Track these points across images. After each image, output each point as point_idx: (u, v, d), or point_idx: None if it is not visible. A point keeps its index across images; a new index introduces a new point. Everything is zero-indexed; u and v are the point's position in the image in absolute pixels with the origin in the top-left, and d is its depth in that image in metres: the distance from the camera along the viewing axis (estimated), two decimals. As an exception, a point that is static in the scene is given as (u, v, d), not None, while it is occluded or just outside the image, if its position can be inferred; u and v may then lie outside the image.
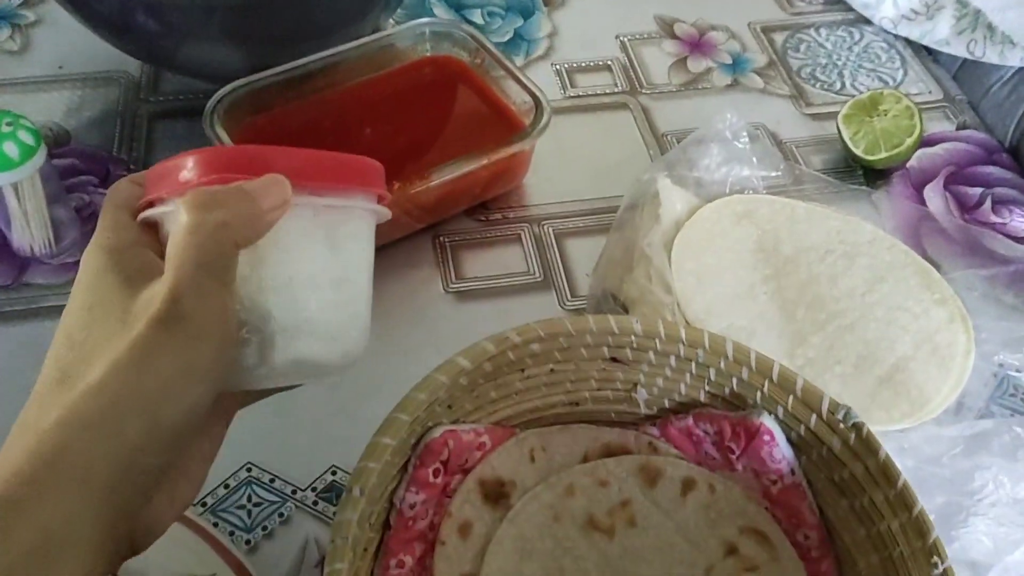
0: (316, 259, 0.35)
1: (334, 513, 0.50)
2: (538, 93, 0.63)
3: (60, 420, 0.28)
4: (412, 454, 0.44)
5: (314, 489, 0.51)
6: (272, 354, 0.33)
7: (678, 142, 0.70)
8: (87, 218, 0.62)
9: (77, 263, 0.59)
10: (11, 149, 0.53)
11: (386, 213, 0.38)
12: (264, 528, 0.49)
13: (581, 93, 0.75)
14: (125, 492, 0.29)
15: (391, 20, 0.77)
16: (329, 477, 0.51)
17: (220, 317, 0.31)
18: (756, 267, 0.57)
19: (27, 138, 0.54)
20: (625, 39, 0.80)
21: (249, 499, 0.50)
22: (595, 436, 0.49)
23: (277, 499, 0.50)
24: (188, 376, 0.30)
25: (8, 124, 0.54)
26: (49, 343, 0.55)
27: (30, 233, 0.59)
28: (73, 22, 0.65)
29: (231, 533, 0.48)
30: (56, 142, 0.68)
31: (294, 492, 0.51)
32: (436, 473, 0.44)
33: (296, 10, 0.62)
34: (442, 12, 0.81)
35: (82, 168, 0.66)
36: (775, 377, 0.44)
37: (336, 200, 0.35)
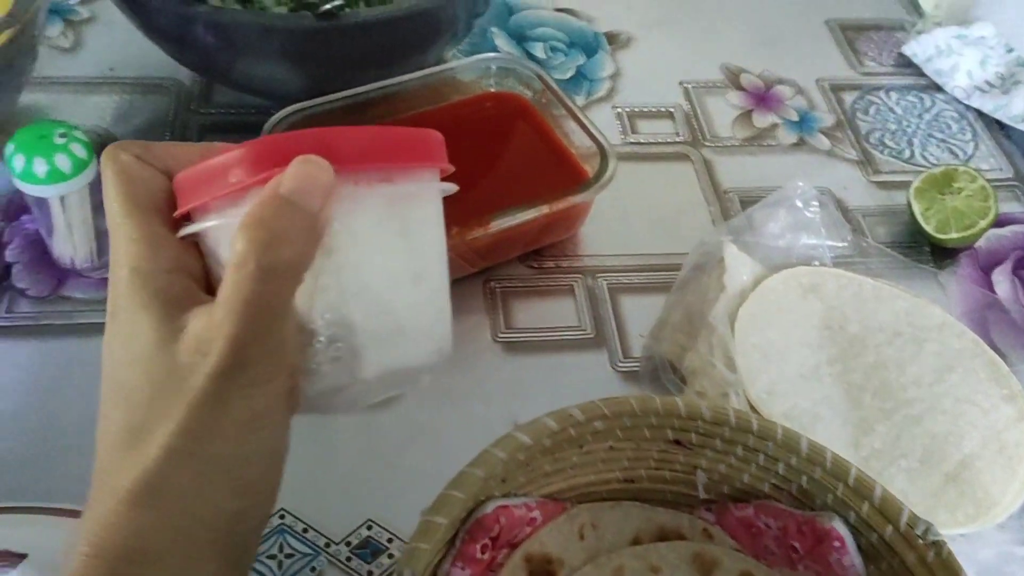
0: (395, 254, 0.31)
1: (368, 573, 0.48)
2: (604, 142, 0.61)
3: (145, 493, 0.27)
4: (461, 528, 0.42)
5: (348, 544, 0.49)
6: (363, 367, 0.30)
7: (740, 200, 0.68)
8: (130, 232, 0.60)
9: (117, 279, 0.57)
10: (63, 162, 0.51)
11: (452, 189, 0.34)
12: (294, 583, 0.47)
13: (642, 140, 0.73)
14: (231, 554, 0.27)
15: (454, 52, 0.75)
16: (364, 532, 0.49)
17: (283, 349, 0.28)
18: (822, 346, 0.55)
19: (80, 151, 0.52)
20: (689, 86, 0.77)
21: (281, 549, 0.48)
22: (648, 516, 0.47)
23: (310, 551, 0.48)
24: (262, 422, 0.28)
25: (62, 136, 0.52)
26: (85, 360, 0.53)
27: (72, 244, 0.57)
28: (127, 23, 0.63)
29: (260, 586, 0.46)
30: (103, 148, 0.66)
31: (327, 545, 0.48)
32: (484, 548, 0.42)
33: (358, 37, 0.60)
34: (504, 44, 0.79)
35: (129, 179, 0.64)
36: (851, 482, 0.41)
37: (408, 184, 0.31)
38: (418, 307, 0.32)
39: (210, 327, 0.27)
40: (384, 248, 0.30)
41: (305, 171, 0.28)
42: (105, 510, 0.27)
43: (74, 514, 0.44)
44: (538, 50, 0.79)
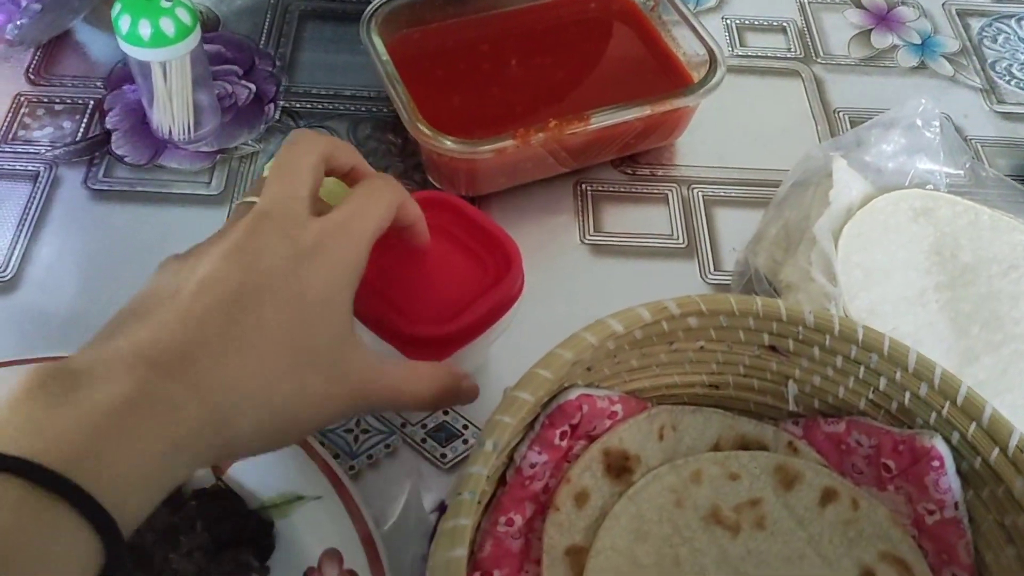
0: None
1: (441, 455, 0.47)
2: (714, 47, 0.58)
3: None
4: (541, 412, 0.41)
5: (424, 426, 0.48)
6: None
7: (850, 121, 0.65)
8: (228, 108, 0.60)
9: (212, 153, 0.58)
10: (168, 26, 0.51)
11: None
12: (369, 456, 0.47)
13: (751, 53, 0.69)
14: None
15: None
16: (440, 416, 0.49)
17: None
18: (930, 271, 0.52)
19: (185, 17, 0.52)
20: (806, 1, 0.73)
21: (357, 424, 0.48)
22: (731, 424, 0.45)
23: (385, 429, 0.48)
24: None
25: (167, 0, 0.51)
26: (178, 228, 0.54)
27: (171, 114, 0.57)
28: None
29: (336, 456, 0.46)
30: (205, 26, 0.66)
31: (403, 425, 0.48)
32: (563, 435, 0.41)
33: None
34: (613, -54, 0.76)
35: (228, 56, 0.64)
36: (960, 401, 0.39)
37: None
38: None
39: None
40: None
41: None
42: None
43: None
44: (649, -44, 0.75)
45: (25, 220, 0.54)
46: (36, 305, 0.50)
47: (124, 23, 0.51)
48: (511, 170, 0.57)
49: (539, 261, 0.55)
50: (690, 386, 0.46)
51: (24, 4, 0.53)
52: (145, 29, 0.51)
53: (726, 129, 0.64)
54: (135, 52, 0.52)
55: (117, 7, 0.51)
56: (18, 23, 0.54)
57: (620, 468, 0.43)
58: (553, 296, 0.54)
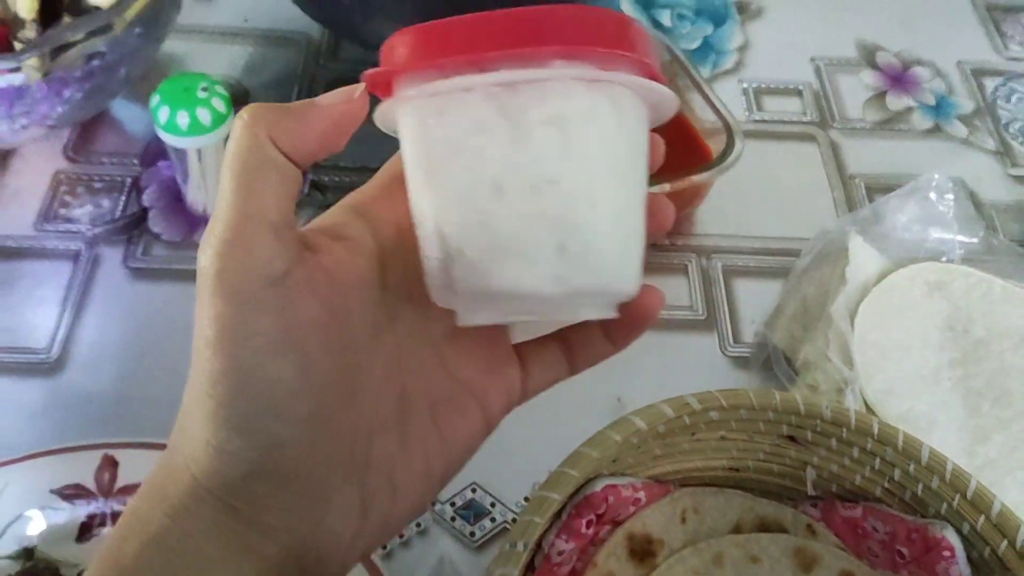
0: (496, 156, 0.26)
1: (470, 533, 0.49)
2: (731, 120, 0.59)
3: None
4: (568, 502, 0.43)
5: (453, 504, 0.50)
6: (456, 282, 0.27)
7: (866, 186, 0.66)
8: (259, 184, 0.62)
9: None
10: (204, 115, 0.53)
11: (657, 91, 0.29)
12: (400, 536, 0.49)
13: (767, 118, 0.71)
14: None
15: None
16: (469, 494, 0.51)
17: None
18: (944, 347, 0.53)
19: (220, 105, 0.54)
20: (821, 63, 0.75)
21: (388, 503, 0.50)
22: (751, 506, 0.47)
23: (415, 508, 0.50)
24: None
25: (204, 90, 0.54)
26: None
27: (205, 192, 0.59)
28: (263, -24, 0.65)
29: (368, 536, 0.48)
30: (235, 99, 0.68)
31: (433, 504, 0.50)
32: (589, 524, 0.43)
33: (489, 2, 0.60)
34: (628, 9, 0.78)
35: (259, 130, 0.66)
36: (969, 494, 0.40)
37: (515, 74, 0.26)
38: (527, 222, 0.27)
39: None
40: (481, 150, 0.26)
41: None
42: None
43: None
44: (664, 18, 0.77)
45: (68, 301, 0.56)
46: (81, 387, 0.52)
47: (163, 114, 0.53)
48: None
49: (562, 334, 0.57)
50: (711, 469, 0.47)
51: (66, 95, 0.55)
52: (183, 119, 0.53)
53: (744, 196, 0.65)
54: (173, 140, 0.54)
55: (156, 98, 0.53)
56: (59, 110, 0.56)
57: (644, 552, 0.44)
58: (578, 376, 0.55)
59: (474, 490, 0.51)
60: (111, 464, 0.46)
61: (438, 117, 0.27)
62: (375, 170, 0.64)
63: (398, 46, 0.28)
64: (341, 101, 0.29)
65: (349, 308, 0.29)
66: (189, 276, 0.57)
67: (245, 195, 0.27)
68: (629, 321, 0.32)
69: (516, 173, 0.26)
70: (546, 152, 0.26)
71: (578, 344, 0.36)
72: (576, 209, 0.27)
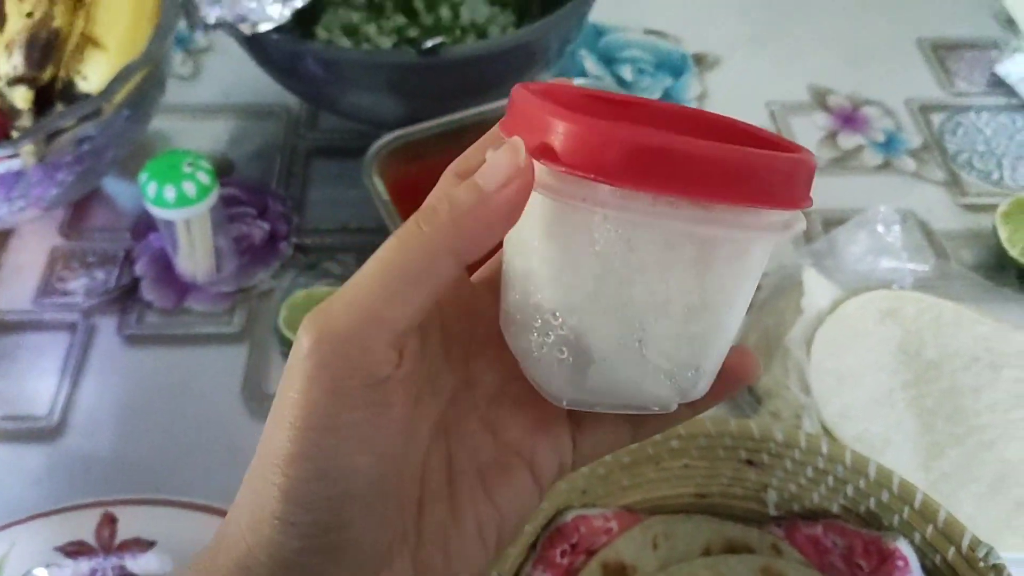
0: (674, 282, 0.26)
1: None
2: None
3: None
4: (542, 533, 0.45)
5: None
6: (586, 380, 0.27)
7: (822, 221, 0.69)
8: (244, 250, 0.66)
9: (233, 292, 0.63)
10: (190, 188, 0.57)
11: (796, 230, 0.26)
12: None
13: (726, 161, 0.74)
14: None
15: (546, 76, 0.78)
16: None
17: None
18: (897, 371, 0.56)
19: (204, 178, 0.58)
20: (775, 108, 0.79)
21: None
22: (718, 529, 0.49)
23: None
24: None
25: (189, 165, 0.57)
26: (205, 367, 0.59)
27: (194, 261, 0.62)
28: (241, 52, 0.69)
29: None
30: (220, 171, 0.72)
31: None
32: (563, 554, 0.45)
33: (457, 71, 0.64)
34: (592, 66, 0.82)
35: (243, 199, 0.69)
36: (917, 505, 0.43)
37: (724, 217, 0.25)
38: (674, 343, 0.27)
39: None
40: (659, 270, 0.26)
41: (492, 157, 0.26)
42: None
43: (196, 507, 0.50)
44: (626, 72, 0.82)
45: (67, 369, 0.59)
46: (81, 450, 0.55)
47: (151, 189, 0.57)
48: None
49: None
50: (679, 496, 0.50)
51: (58, 178, 0.59)
52: (170, 193, 0.57)
53: (706, 236, 0.68)
54: (161, 213, 0.58)
55: (144, 175, 0.57)
56: (53, 192, 0.60)
57: (618, 579, 0.47)
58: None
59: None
60: (110, 521, 0.49)
61: (632, 228, 0.25)
62: (355, 231, 0.68)
63: (601, 135, 0.24)
64: (512, 179, 0.25)
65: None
66: (181, 340, 0.61)
67: (387, 299, 0.25)
68: (717, 386, 0.30)
69: (684, 299, 0.26)
70: (719, 287, 0.26)
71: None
72: (717, 333, 0.27)
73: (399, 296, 0.25)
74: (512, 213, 0.25)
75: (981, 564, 0.42)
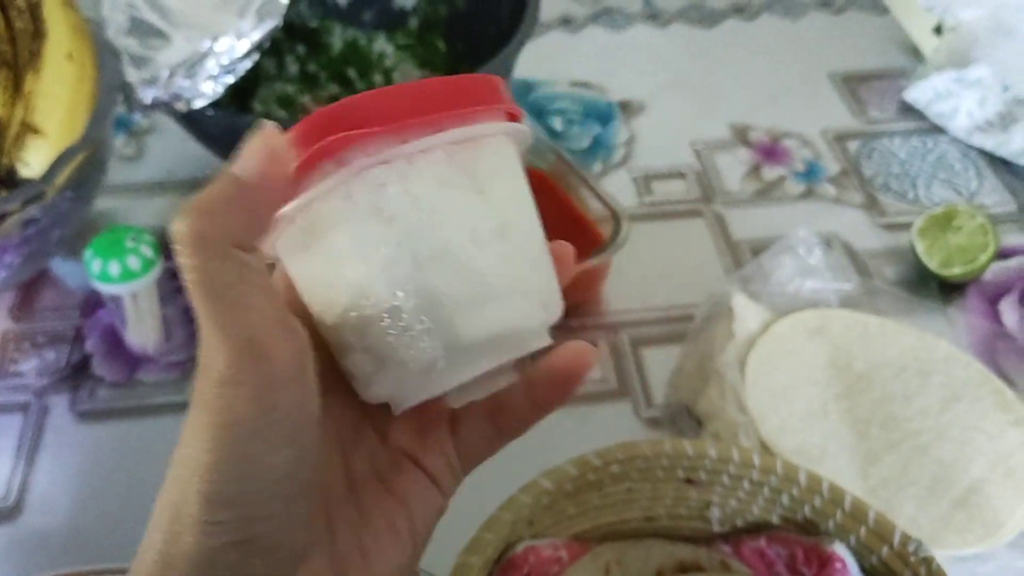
0: (469, 209, 0.28)
1: (417, 616, 0.52)
2: (616, 207, 0.66)
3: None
4: (494, 568, 0.46)
5: (398, 591, 0.53)
6: (459, 336, 0.28)
7: (752, 250, 0.72)
8: (193, 319, 0.67)
9: (184, 361, 0.64)
10: (134, 263, 0.58)
11: (525, 132, 0.32)
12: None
13: (656, 200, 0.78)
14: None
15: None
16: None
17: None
18: (829, 384, 0.59)
19: (147, 252, 0.59)
20: (700, 147, 0.83)
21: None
22: (669, 551, 0.51)
23: (363, 600, 0.53)
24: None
25: (132, 239, 0.59)
26: (160, 438, 0.59)
27: (144, 333, 0.63)
28: (181, 132, 0.71)
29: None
30: (167, 245, 0.73)
31: (380, 593, 0.53)
32: (516, 587, 0.47)
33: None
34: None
35: (191, 271, 0.71)
36: (847, 507, 0.45)
37: (463, 132, 0.28)
38: (506, 262, 0.29)
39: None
40: (453, 205, 0.28)
41: (251, 148, 0.27)
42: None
43: None
44: (556, 123, 0.85)
45: (21, 449, 0.59)
46: (38, 528, 0.55)
47: (96, 265, 0.58)
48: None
49: (488, 420, 0.62)
50: (627, 522, 0.51)
51: (6, 261, 0.60)
52: (114, 268, 0.58)
53: (643, 273, 0.71)
54: (107, 288, 0.59)
55: (88, 252, 0.58)
56: (1, 275, 0.61)
57: (574, 608, 0.48)
58: (503, 452, 0.59)
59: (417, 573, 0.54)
60: (69, 594, 0.49)
61: (402, 180, 0.27)
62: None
63: (328, 118, 0.27)
64: (267, 167, 0.27)
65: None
66: (134, 412, 0.61)
67: (231, 315, 0.25)
68: (552, 382, 0.34)
69: (486, 220, 0.28)
70: (503, 198, 0.29)
71: (505, 411, 0.36)
72: (530, 237, 0.30)
73: (235, 305, 0.25)
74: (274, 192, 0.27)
75: (912, 559, 0.43)
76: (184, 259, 0.25)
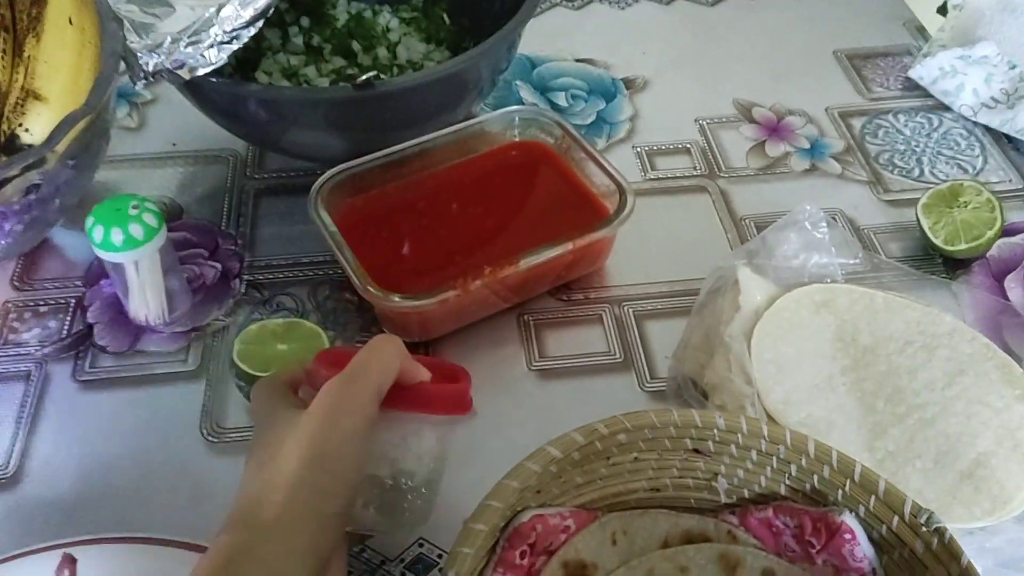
0: (435, 453, 0.48)
1: (422, 587, 0.52)
2: (621, 180, 0.65)
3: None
4: (500, 536, 0.46)
5: (402, 560, 0.53)
6: (430, 506, 0.48)
7: (756, 226, 0.72)
8: (197, 289, 0.67)
9: (187, 332, 0.64)
10: (136, 230, 0.58)
11: (458, 421, 0.49)
12: (355, 597, 0.51)
13: (661, 176, 0.77)
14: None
15: (482, 106, 0.81)
16: (417, 549, 0.54)
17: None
18: (835, 357, 0.58)
19: (151, 220, 0.59)
20: (704, 123, 0.82)
21: (341, 567, 0.52)
22: (675, 522, 0.50)
23: (366, 569, 0.53)
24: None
25: (135, 207, 0.58)
26: (160, 406, 0.59)
27: (146, 304, 0.63)
28: (185, 102, 0.70)
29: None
30: (170, 215, 0.73)
31: (383, 563, 0.53)
32: (523, 555, 0.46)
33: (393, 103, 0.66)
34: (528, 94, 0.85)
35: (194, 241, 0.70)
36: (857, 477, 0.45)
37: (447, 421, 0.49)
38: (439, 481, 0.49)
39: None
40: (432, 449, 0.48)
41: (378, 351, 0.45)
42: None
43: (156, 542, 0.50)
44: (560, 99, 0.84)
45: (22, 418, 0.59)
46: (39, 496, 0.55)
47: (98, 233, 0.57)
48: (457, 314, 0.63)
49: (492, 392, 0.61)
50: (634, 492, 0.51)
51: (7, 228, 0.60)
52: (117, 236, 0.57)
53: (648, 247, 0.71)
54: (109, 256, 0.58)
55: (90, 219, 0.58)
56: (2, 243, 0.60)
57: (580, 576, 0.48)
58: (508, 423, 0.60)
59: (421, 545, 0.54)
60: (70, 561, 0.49)
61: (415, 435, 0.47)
62: (306, 264, 0.69)
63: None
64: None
65: None
66: (136, 382, 0.61)
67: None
68: None
69: (440, 459, 0.49)
70: (439, 448, 0.49)
71: None
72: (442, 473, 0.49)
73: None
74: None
75: (924, 529, 0.43)
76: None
